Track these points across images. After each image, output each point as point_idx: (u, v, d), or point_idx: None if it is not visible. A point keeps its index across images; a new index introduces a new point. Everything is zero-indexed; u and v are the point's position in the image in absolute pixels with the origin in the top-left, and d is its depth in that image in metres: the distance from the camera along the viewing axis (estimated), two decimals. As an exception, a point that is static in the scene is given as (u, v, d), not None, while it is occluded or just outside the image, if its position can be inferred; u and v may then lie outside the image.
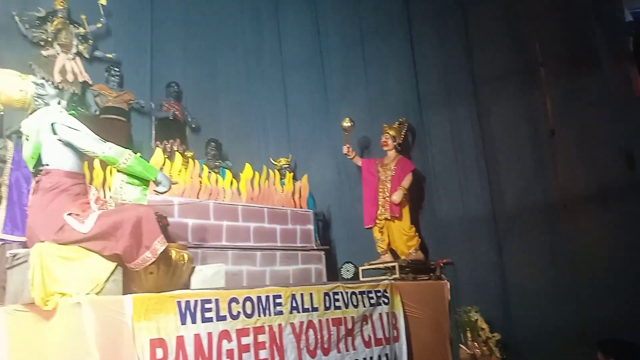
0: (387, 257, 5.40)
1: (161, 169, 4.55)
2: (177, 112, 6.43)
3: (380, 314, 4.10)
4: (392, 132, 5.63)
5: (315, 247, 5.66)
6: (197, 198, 4.85)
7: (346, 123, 5.74)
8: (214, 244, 4.71)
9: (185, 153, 5.87)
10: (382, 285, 4.27)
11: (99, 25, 6.10)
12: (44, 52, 5.73)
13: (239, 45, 7.33)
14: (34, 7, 5.74)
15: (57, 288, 2.73)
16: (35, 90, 3.07)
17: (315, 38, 7.03)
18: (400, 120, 5.74)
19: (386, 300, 4.18)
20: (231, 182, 5.31)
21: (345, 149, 5.74)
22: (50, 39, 5.76)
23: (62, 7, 5.84)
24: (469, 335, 4.86)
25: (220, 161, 6.27)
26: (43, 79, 3.26)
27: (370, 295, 4.09)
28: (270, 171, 5.85)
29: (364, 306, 4.00)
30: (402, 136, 5.71)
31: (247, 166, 5.52)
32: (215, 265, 3.74)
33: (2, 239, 4.13)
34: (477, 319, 4.89)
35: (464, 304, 5.01)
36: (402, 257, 5.33)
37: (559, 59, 5.06)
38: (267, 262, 5.08)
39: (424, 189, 5.80)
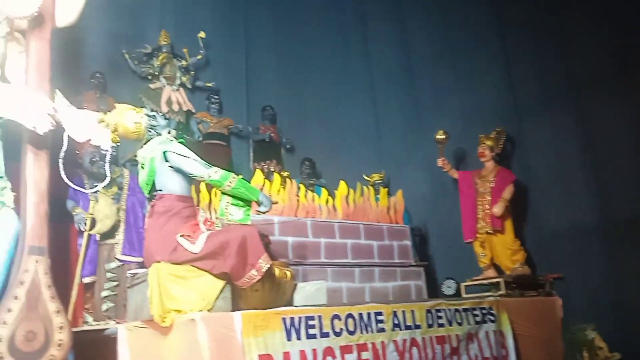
0: (491, 272, 5.18)
1: (261, 189, 4.73)
2: (272, 134, 6.68)
3: (486, 332, 3.93)
4: (489, 143, 5.44)
5: (414, 263, 5.57)
6: (296, 216, 4.97)
7: (440, 135, 5.64)
8: (314, 261, 4.79)
9: (282, 173, 6.06)
10: (487, 302, 4.10)
11: (199, 57, 6.51)
12: (152, 85, 6.21)
13: (328, 66, 7.48)
14: (141, 45, 6.25)
15: (173, 305, 2.91)
16: (148, 121, 3.33)
17: (404, 52, 7.02)
18: (498, 129, 5.52)
19: (492, 318, 4.01)
20: (327, 200, 5.39)
21: (439, 162, 5.63)
22: (156, 73, 6.24)
23: (165, 43, 6.31)
24: (585, 355, 4.51)
25: (314, 179, 6.40)
26: (153, 110, 3.54)
27: (475, 312, 3.93)
28: (364, 187, 5.87)
29: (469, 324, 3.85)
30: (501, 146, 5.50)
31: (342, 183, 5.58)
32: (316, 282, 3.80)
33: (121, 260, 4.49)
34: (593, 338, 4.53)
35: (577, 321, 4.67)
36: (507, 272, 5.09)
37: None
38: (366, 279, 5.07)
39: (526, 199, 5.51)
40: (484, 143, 5.45)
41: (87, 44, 5.81)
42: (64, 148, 2.98)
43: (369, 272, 5.14)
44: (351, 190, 5.57)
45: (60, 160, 2.96)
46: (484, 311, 3.98)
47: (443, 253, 6.11)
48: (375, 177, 6.38)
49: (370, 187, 6.04)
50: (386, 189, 6.13)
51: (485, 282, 5.04)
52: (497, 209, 5.10)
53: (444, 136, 5.63)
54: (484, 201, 5.28)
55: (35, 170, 2.95)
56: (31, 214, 2.90)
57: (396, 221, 5.71)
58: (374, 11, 7.50)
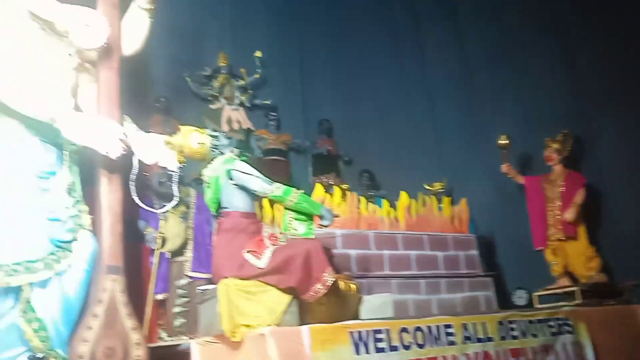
0: (565, 281, 4.94)
1: (323, 203, 4.74)
2: (330, 147, 6.71)
3: (563, 344, 3.73)
4: (556, 146, 5.22)
5: (482, 274, 5.39)
6: (358, 229, 4.95)
7: (502, 140, 5.47)
8: (378, 273, 4.74)
9: (342, 186, 6.06)
10: (563, 312, 3.90)
11: (257, 76, 6.66)
12: (213, 106, 6.41)
13: (384, 75, 7.44)
14: (202, 68, 6.48)
15: (243, 320, 2.95)
16: (211, 142, 3.43)
17: (460, 55, 6.89)
18: (564, 131, 5.29)
19: (569, 329, 3.81)
20: (388, 211, 5.34)
21: (504, 168, 5.45)
22: (216, 94, 6.43)
23: (224, 64, 6.51)
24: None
25: (374, 191, 6.37)
26: (215, 130, 3.65)
27: (550, 323, 3.75)
28: (426, 197, 5.77)
29: (544, 336, 3.68)
30: (569, 148, 5.26)
31: (403, 194, 5.51)
32: (382, 295, 3.76)
33: (191, 277, 4.62)
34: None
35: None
36: (582, 281, 4.83)
37: None
38: (432, 291, 4.96)
39: (599, 203, 5.23)
40: (551, 146, 5.24)
41: (151, 69, 6.08)
42: (135, 171, 3.12)
43: (435, 283, 5.03)
44: (412, 201, 5.49)
45: (132, 183, 3.10)
46: (559, 322, 3.80)
47: (512, 262, 5.89)
48: (437, 186, 6.25)
49: (432, 197, 5.93)
50: (449, 198, 5.99)
51: (559, 291, 4.81)
52: (569, 215, 4.87)
53: (506, 141, 5.45)
54: (553, 207, 5.06)
55: (109, 194, 3.10)
56: (107, 235, 3.04)
57: (461, 230, 5.57)
58: (427, 16, 7.42)
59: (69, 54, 3.23)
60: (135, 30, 3.48)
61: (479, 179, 6.32)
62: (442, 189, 6.25)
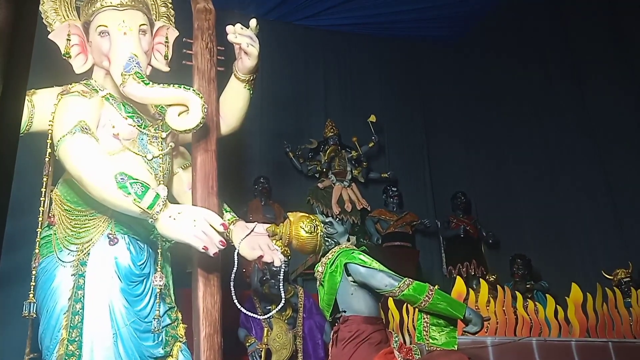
0: None
1: (466, 302, 4.60)
2: (468, 227, 6.59)
3: None
4: None
5: (697, 396, 4.82)
6: (515, 335, 4.71)
7: None
8: (548, 396, 4.42)
9: (488, 277, 5.86)
10: None
11: (371, 144, 6.84)
12: (320, 185, 6.61)
13: (535, 130, 7.27)
14: (306, 140, 6.78)
15: None
16: (324, 230, 3.52)
17: (630, 105, 6.56)
18: None
19: None
20: (555, 310, 5.03)
21: None
22: (324, 170, 6.66)
23: (333, 134, 6.76)
24: None
25: (532, 282, 6.08)
26: (327, 215, 3.75)
27: None
28: (608, 290, 5.37)
29: None
30: None
31: (574, 287, 5.18)
32: None
33: (302, 400, 4.62)
34: None
35: None
36: None
37: None
38: (628, 421, 4.51)
39: None
40: None
41: (249, 148, 6.49)
42: (235, 269, 3.25)
43: (630, 411, 4.57)
44: (588, 295, 5.14)
45: (232, 283, 3.23)
46: None
47: None
48: (621, 274, 5.82)
49: (615, 289, 5.51)
50: (639, 290, 5.53)
51: None
52: None
53: None
54: None
55: (207, 297, 3.25)
56: (204, 348, 3.16)
57: (661, 335, 5.07)
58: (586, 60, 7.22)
59: (162, 137, 3.57)
60: (235, 106, 3.77)
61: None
62: (628, 277, 5.80)
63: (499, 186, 7.10)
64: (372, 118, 6.83)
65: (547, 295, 5.46)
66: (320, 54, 7.41)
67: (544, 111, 7.17)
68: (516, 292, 5.43)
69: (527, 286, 5.99)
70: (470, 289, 5.12)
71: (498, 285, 5.46)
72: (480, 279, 5.50)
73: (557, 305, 5.13)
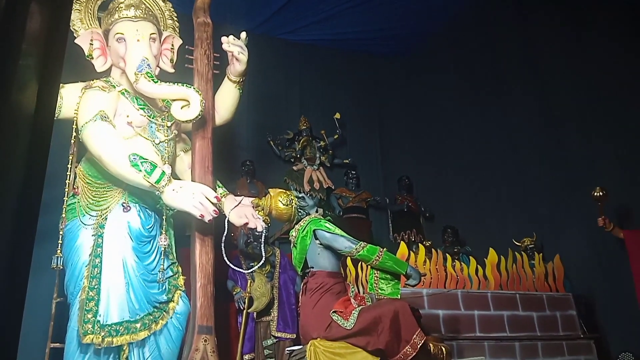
0: (680, 345, 4.44)
1: (407, 261, 4.65)
2: (410, 204, 6.64)
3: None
4: (658, 196, 4.85)
5: (582, 336, 4.97)
6: (445, 288, 4.78)
7: (597, 192, 5.12)
8: (468, 335, 4.50)
9: (424, 243, 5.93)
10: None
11: (336, 136, 6.85)
12: (295, 167, 6.62)
13: (464, 131, 7.36)
14: (284, 132, 6.76)
15: (332, 383, 2.89)
16: (298, 203, 3.51)
17: (542, 105, 6.65)
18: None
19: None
20: (476, 269, 5.12)
21: (600, 222, 5.09)
22: (298, 155, 6.66)
23: (305, 127, 6.75)
24: None
25: (458, 247, 6.17)
26: (299, 191, 3.75)
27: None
28: (517, 254, 5.48)
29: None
30: (673, 199, 4.87)
31: (491, 251, 5.27)
32: (475, 358, 3.55)
33: (276, 337, 4.63)
34: None
35: None
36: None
37: None
38: (529, 354, 4.62)
39: None
40: (652, 197, 4.87)
41: (238, 136, 6.42)
42: (226, 233, 3.24)
43: (531, 346, 4.68)
44: (502, 258, 5.24)
45: (222, 244, 3.21)
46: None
47: (615, 323, 5.36)
48: (527, 241, 5.91)
49: (522, 253, 5.63)
50: (540, 255, 5.66)
51: (676, 357, 4.32)
52: (680, 271, 4.44)
53: (601, 193, 5.11)
54: (661, 262, 4.64)
55: (202, 255, 3.24)
56: (200, 295, 3.15)
57: (556, 289, 5.20)
58: (509, 70, 7.30)
59: (167, 126, 3.51)
60: (227, 102, 3.74)
61: (572, 234, 5.90)
62: (532, 244, 5.91)
63: (435, 172, 7.17)
64: (337, 115, 6.84)
65: (470, 257, 5.54)
66: (297, 62, 7.35)
67: (469, 106, 7.27)
68: (446, 254, 5.52)
69: (455, 250, 6.08)
70: (411, 251, 5.18)
71: (432, 249, 5.54)
72: (419, 244, 5.55)
73: (478, 265, 5.22)
